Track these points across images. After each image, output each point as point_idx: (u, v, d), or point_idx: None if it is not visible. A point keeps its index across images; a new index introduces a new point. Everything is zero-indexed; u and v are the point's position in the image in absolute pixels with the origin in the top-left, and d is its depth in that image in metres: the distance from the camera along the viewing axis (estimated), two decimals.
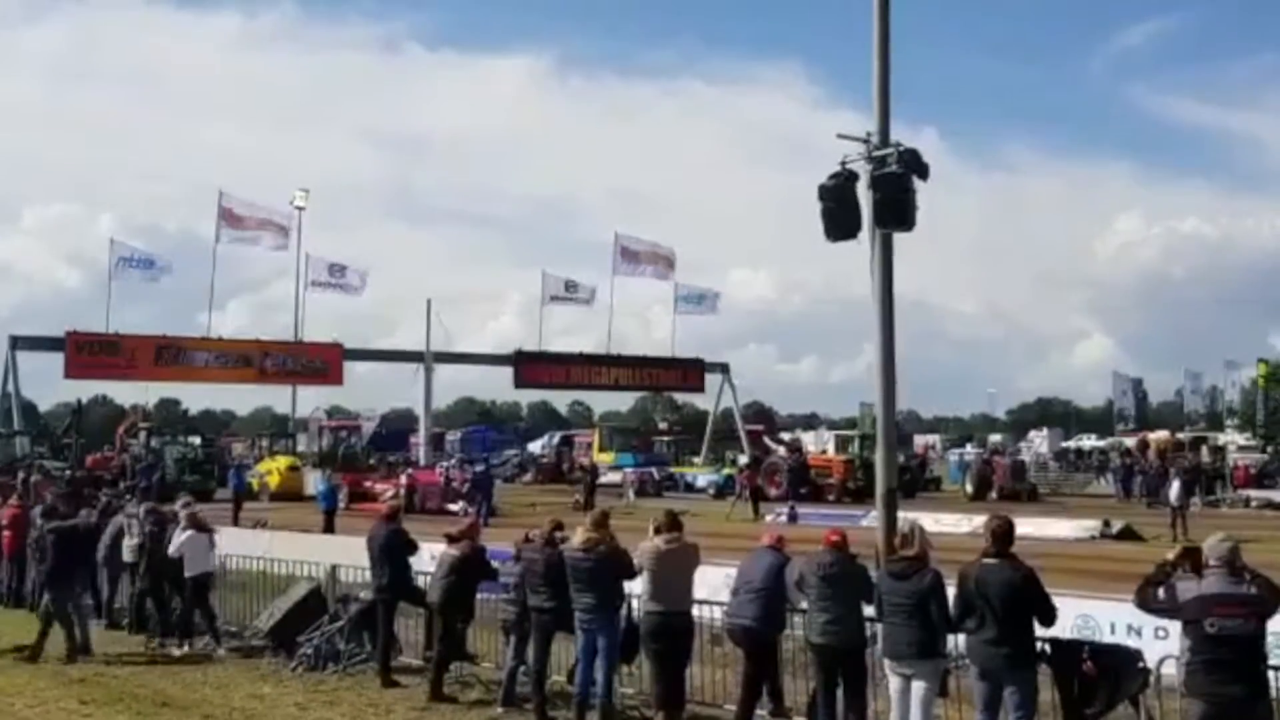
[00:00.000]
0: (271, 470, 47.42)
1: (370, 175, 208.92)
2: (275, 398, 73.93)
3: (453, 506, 36.23)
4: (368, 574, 13.82)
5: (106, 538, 16.76)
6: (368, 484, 40.53)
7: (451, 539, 12.72)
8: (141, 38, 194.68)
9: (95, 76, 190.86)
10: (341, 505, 32.36)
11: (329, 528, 28.63)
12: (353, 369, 54.22)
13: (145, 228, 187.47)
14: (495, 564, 12.48)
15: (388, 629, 13.14)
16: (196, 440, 53.11)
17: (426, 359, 48.37)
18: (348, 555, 15.70)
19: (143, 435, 47.74)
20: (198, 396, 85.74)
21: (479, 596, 12.55)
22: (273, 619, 14.43)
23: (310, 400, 64.89)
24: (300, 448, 60.91)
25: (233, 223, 48.15)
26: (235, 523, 29.59)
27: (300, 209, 52.28)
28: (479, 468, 41.05)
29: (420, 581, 13.23)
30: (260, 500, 41.27)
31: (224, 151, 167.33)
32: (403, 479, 40.02)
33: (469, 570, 12.29)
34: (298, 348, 48.90)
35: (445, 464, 47.21)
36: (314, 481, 39.58)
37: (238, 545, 19.11)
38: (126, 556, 16.37)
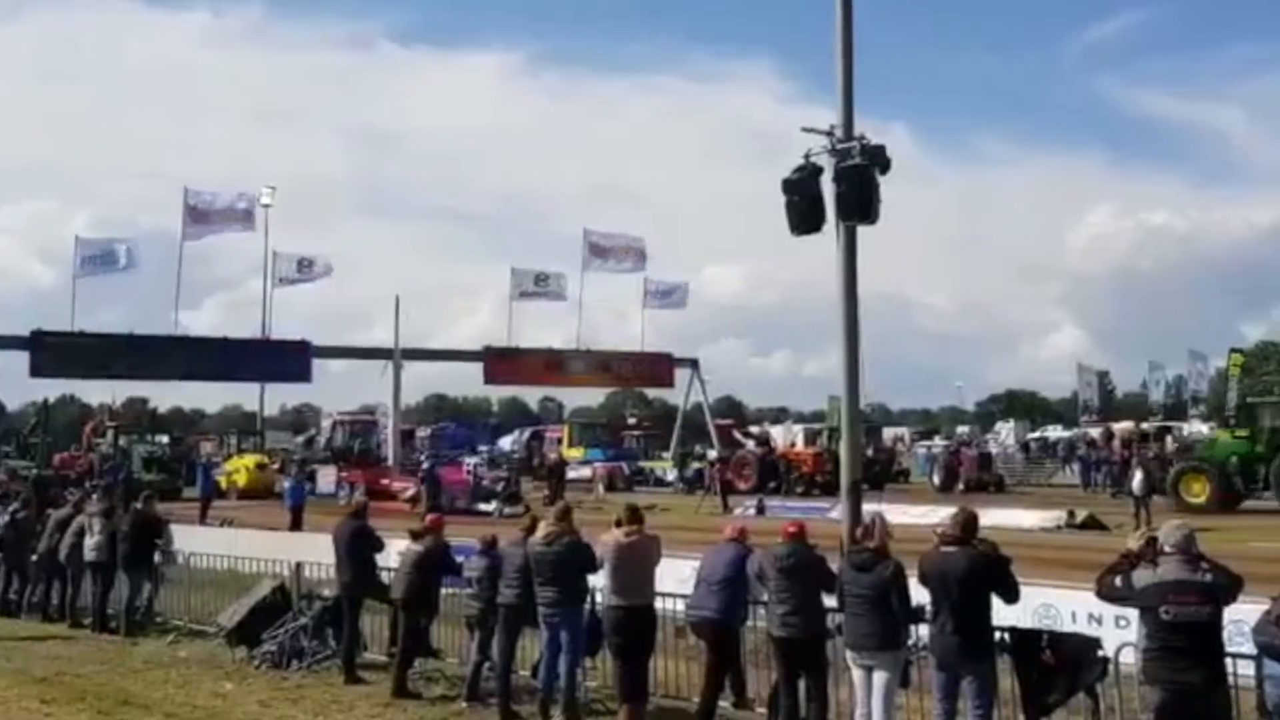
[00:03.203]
0: (239, 468, 47.17)
1: (343, 172, 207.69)
2: (244, 395, 73.60)
3: (485, 506, 34.54)
4: (333, 571, 13.79)
5: (69, 536, 16.72)
6: (385, 482, 39.15)
7: (415, 535, 12.72)
8: (113, 36, 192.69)
9: (66, 74, 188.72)
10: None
11: (296, 525, 28.49)
12: (326, 366, 54.01)
13: (120, 225, 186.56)
14: (459, 559, 12.47)
15: (352, 626, 13.11)
16: (164, 439, 52.82)
17: (395, 355, 48.04)
18: (313, 553, 15.65)
19: (110, 434, 47.40)
20: (166, 395, 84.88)
21: (444, 592, 12.56)
22: (236, 617, 14.37)
23: (279, 398, 64.67)
24: (270, 444, 60.67)
25: (198, 219, 47.79)
26: (202, 521, 29.51)
27: (267, 206, 52.02)
28: (426, 464, 40.61)
29: (385, 578, 13.22)
30: (229, 499, 41.03)
31: (196, 150, 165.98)
32: (422, 476, 37.20)
33: (432, 566, 12.30)
34: (265, 345, 48.60)
35: (472, 460, 46.54)
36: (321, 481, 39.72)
37: (204, 543, 19.10)
38: (88, 555, 16.32)
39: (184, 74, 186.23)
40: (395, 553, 13.65)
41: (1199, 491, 33.26)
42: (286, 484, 33.57)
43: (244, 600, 14.66)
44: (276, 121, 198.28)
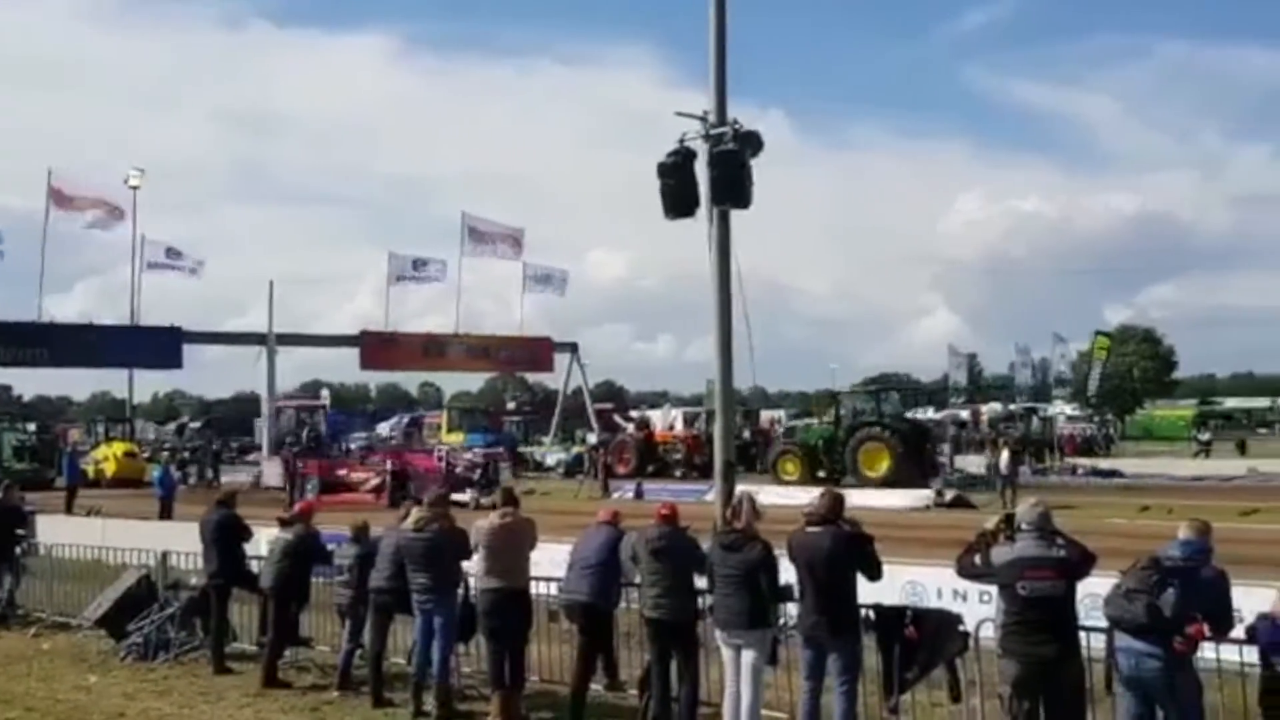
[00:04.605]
0: (108, 456, 46.07)
1: (218, 155, 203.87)
2: (113, 382, 71.76)
3: (459, 496, 30.36)
4: (200, 560, 13.54)
5: None
6: (342, 472, 36.67)
7: (284, 522, 12.57)
8: None
9: None
10: (311, 496, 29.38)
11: (166, 514, 27.91)
12: (201, 353, 52.94)
13: None
14: (330, 547, 12.34)
15: (220, 616, 12.91)
16: (31, 427, 51.37)
17: (269, 341, 47.29)
18: (181, 542, 15.34)
19: None
20: (30, 382, 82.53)
21: (314, 580, 12.42)
22: (101, 609, 14.04)
23: (150, 385, 63.19)
24: (138, 434, 59.29)
25: (62, 203, 46.37)
26: (69, 511, 28.78)
27: (135, 189, 50.73)
28: (293, 451, 39.75)
29: (255, 567, 13.03)
30: (99, 488, 39.98)
31: (66, 130, 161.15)
32: (389, 464, 35.53)
33: (303, 554, 12.14)
34: (134, 331, 47.41)
35: (443, 446, 44.41)
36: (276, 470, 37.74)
37: (69, 534, 18.64)
38: None
39: (50, 54, 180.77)
40: (265, 541, 13.49)
41: (792, 471, 37.78)
42: (155, 473, 32.74)
43: (109, 591, 14.33)
44: (147, 103, 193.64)
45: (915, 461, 36.31)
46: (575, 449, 50.96)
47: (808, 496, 9.84)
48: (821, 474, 36.70)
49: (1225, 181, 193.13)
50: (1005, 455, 31.67)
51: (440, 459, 37.99)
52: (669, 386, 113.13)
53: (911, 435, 37.43)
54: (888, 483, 33.97)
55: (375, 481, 33.65)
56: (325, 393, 63.14)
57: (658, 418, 54.95)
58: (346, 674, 11.62)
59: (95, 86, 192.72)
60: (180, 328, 47.36)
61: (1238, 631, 7.84)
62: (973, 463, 38.71)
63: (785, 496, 23.83)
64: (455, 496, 30.73)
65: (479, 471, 35.70)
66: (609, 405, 65.79)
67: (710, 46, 14.54)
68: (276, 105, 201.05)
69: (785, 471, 37.85)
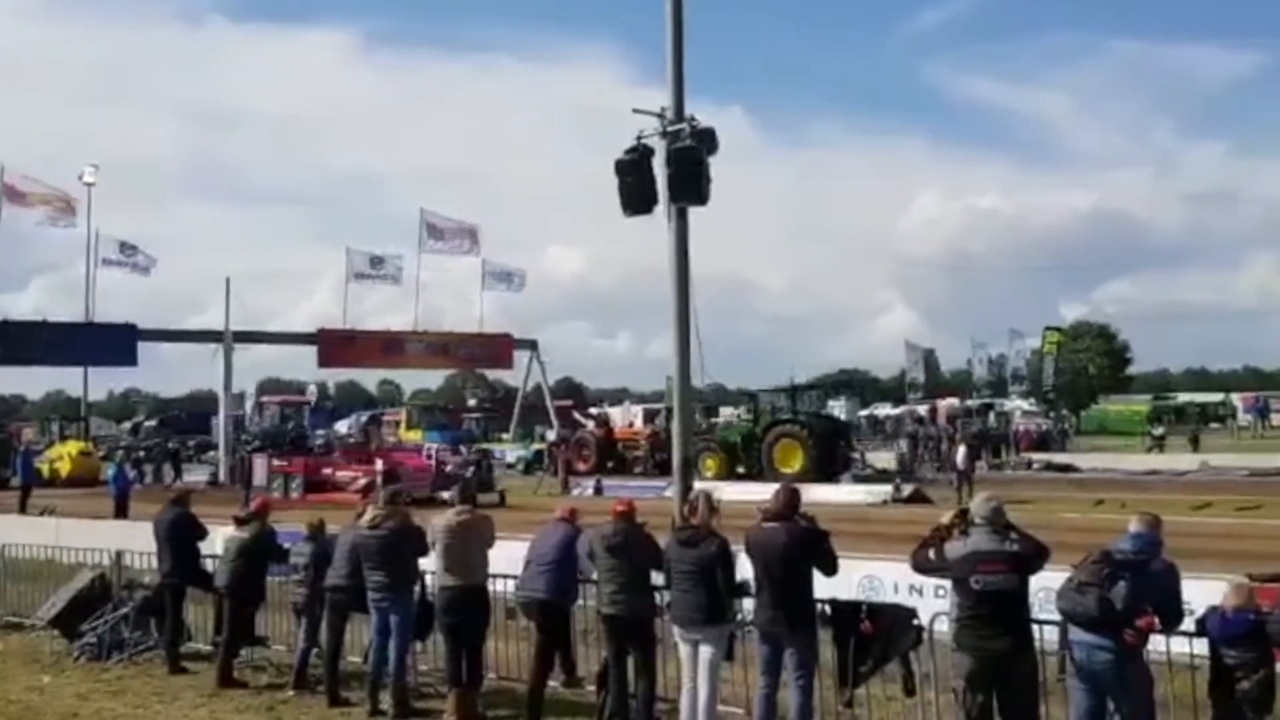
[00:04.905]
0: (63, 455, 45.57)
1: (175, 151, 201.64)
2: (68, 380, 71.04)
3: (446, 494, 29.51)
4: (155, 560, 13.43)
5: None
6: (327, 471, 35.12)
7: (240, 521, 12.47)
8: None
9: None
10: (296, 497, 28.90)
11: (121, 513, 27.66)
12: (157, 351, 52.44)
13: None
14: (286, 545, 12.26)
15: (175, 615, 12.81)
16: None
17: (226, 339, 46.93)
18: (137, 541, 15.21)
19: None
20: None
21: (270, 579, 12.35)
22: (55, 608, 13.90)
23: (106, 383, 62.60)
24: (94, 433, 58.68)
25: (15, 199, 45.91)
26: (23, 510, 28.50)
27: (90, 185, 50.30)
28: (248, 449, 39.24)
29: (210, 566, 12.93)
30: (54, 487, 39.52)
31: (18, 127, 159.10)
32: (378, 464, 34.26)
33: (258, 553, 12.07)
34: (88, 329, 46.96)
35: (432, 445, 43.01)
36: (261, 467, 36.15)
37: (22, 533, 18.46)
38: None
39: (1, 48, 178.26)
40: (221, 540, 13.39)
41: (712, 467, 38.12)
42: (110, 472, 32.41)
43: (63, 591, 14.20)
44: (103, 99, 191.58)
45: (828, 458, 37.16)
46: (535, 446, 50.89)
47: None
48: (740, 470, 37.49)
49: (1179, 179, 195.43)
50: (962, 451, 31.90)
51: (430, 457, 37.07)
52: (629, 383, 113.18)
53: (825, 432, 38.39)
54: (800, 478, 34.03)
55: (364, 481, 32.36)
56: (312, 389, 62.55)
57: (618, 415, 55.03)
58: (302, 673, 11.55)
59: (48, 82, 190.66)
60: (135, 325, 47.00)
61: (1188, 624, 7.92)
62: (882, 458, 39.89)
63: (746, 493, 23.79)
64: (444, 495, 29.75)
65: (471, 470, 34.76)
66: (568, 402, 65.78)
67: (667, 44, 14.59)
68: (235, 101, 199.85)
69: (705, 468, 38.06)
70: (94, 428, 60.70)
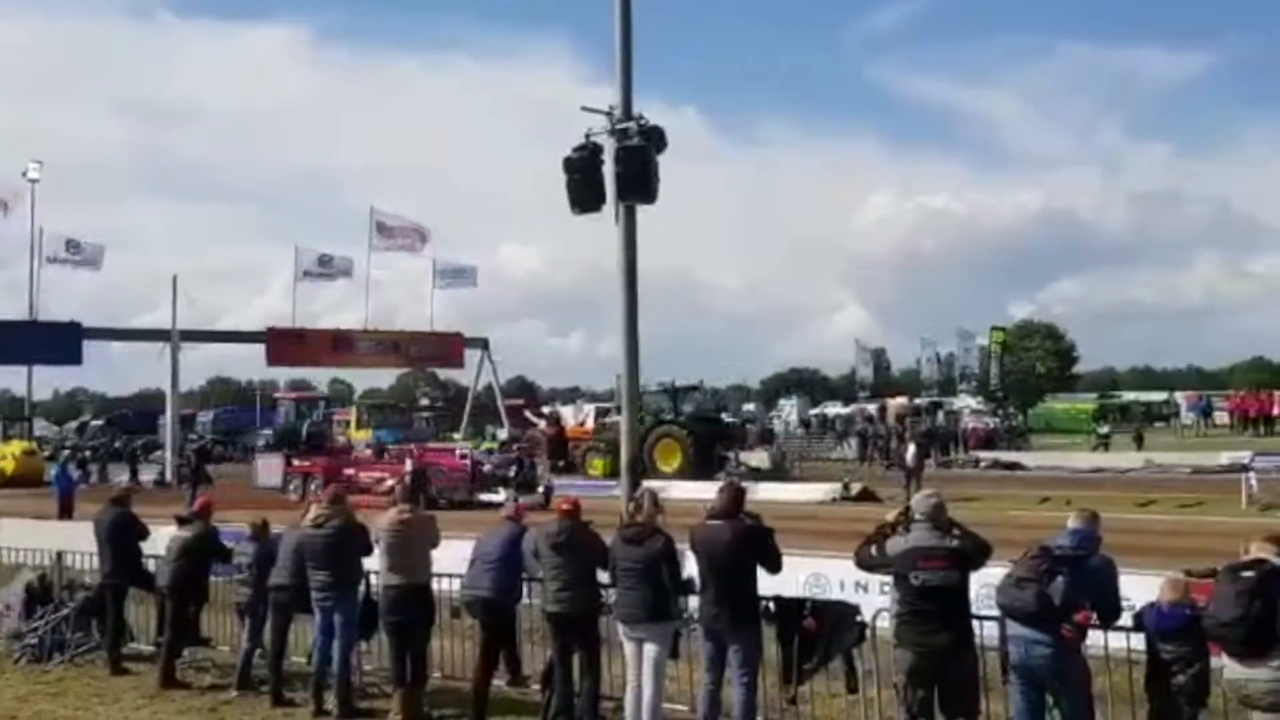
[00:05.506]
0: (6, 455, 44.93)
1: (122, 148, 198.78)
2: (12, 379, 70.09)
3: (495, 497, 28.99)
4: (96, 560, 13.28)
5: None
6: (350, 472, 32.63)
7: (182, 520, 12.38)
8: None
9: None
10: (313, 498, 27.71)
11: (66, 514, 27.33)
12: (105, 349, 51.82)
13: None
14: (229, 545, 12.15)
15: (116, 616, 12.69)
16: None
17: (173, 337, 46.38)
18: (78, 542, 15.03)
19: None
20: None
21: (213, 579, 12.25)
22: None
23: (50, 381, 61.80)
24: (38, 433, 57.99)
25: None
26: None
27: (35, 181, 49.64)
28: (193, 447, 38.81)
29: (153, 566, 12.80)
30: None
31: None
32: (407, 464, 32.22)
33: (201, 552, 11.96)
34: (32, 327, 46.27)
35: (466, 444, 41.71)
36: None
37: None
38: None
39: None
40: (163, 540, 13.26)
41: (599, 467, 39.01)
42: (53, 471, 31.99)
43: (3, 592, 14.04)
44: (47, 94, 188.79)
45: (705, 458, 37.99)
46: (486, 445, 50.68)
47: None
48: None
49: (1126, 179, 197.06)
50: (911, 449, 32.11)
51: (464, 457, 35.13)
52: (582, 382, 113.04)
53: (704, 433, 39.34)
54: (679, 477, 34.41)
55: (392, 482, 30.29)
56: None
57: (569, 414, 54.86)
58: (246, 673, 11.47)
59: None
60: (79, 324, 46.33)
61: (1126, 619, 8.02)
62: (755, 457, 40.08)
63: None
64: (487, 497, 30.14)
65: (514, 469, 33.91)
66: (520, 401, 65.54)
67: (616, 42, 14.59)
68: (185, 97, 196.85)
69: (593, 467, 39.33)
70: (38, 427, 59.98)
